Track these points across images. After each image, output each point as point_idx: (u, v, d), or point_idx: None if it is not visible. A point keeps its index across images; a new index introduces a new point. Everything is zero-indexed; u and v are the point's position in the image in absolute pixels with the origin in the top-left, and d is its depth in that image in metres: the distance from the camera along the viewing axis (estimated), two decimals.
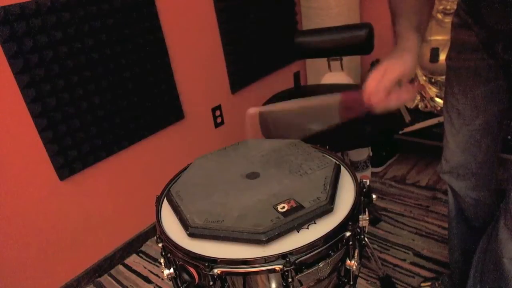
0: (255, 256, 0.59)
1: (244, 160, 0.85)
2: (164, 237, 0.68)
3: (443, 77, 1.01)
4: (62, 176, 1.44)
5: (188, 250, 0.63)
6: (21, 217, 1.37)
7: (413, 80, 1.91)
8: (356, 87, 1.69)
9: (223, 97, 2.05)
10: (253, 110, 0.92)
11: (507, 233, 0.76)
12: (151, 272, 1.64)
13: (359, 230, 0.70)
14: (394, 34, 0.80)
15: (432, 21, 1.84)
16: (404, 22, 0.78)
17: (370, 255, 1.41)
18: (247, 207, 0.68)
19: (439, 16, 1.81)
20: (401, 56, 0.73)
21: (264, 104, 1.49)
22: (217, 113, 2.03)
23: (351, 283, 0.70)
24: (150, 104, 1.67)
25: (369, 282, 1.41)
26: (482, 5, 0.76)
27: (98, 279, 1.64)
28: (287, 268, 0.58)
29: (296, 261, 0.59)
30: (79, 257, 1.57)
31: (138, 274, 1.64)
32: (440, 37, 1.81)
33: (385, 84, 0.71)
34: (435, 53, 1.82)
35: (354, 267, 0.67)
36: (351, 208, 0.68)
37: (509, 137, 1.64)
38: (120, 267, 1.70)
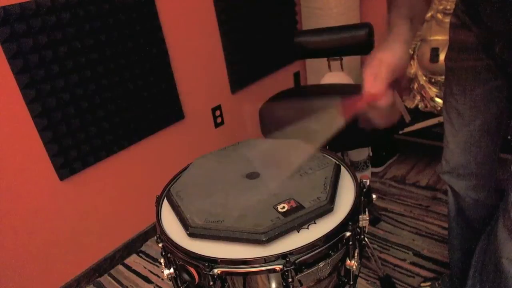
0: (255, 256, 0.59)
1: (244, 160, 0.85)
2: (164, 237, 0.68)
3: (443, 77, 1.01)
4: (62, 176, 1.45)
5: (188, 250, 0.63)
6: (21, 217, 1.37)
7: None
8: (356, 87, 1.69)
9: (223, 97, 2.05)
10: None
11: (506, 233, 0.76)
12: (151, 272, 1.64)
13: (359, 230, 0.70)
14: (387, 24, 0.78)
15: (432, 21, 1.84)
16: (397, 10, 0.77)
17: (370, 255, 1.41)
18: (247, 207, 0.68)
19: (439, 16, 1.81)
20: (391, 47, 0.71)
21: (264, 103, 1.49)
22: (217, 113, 2.03)
23: (351, 283, 0.70)
24: (150, 104, 1.67)
25: (369, 282, 1.41)
26: (481, 5, 0.76)
27: (98, 279, 1.64)
28: (287, 268, 0.58)
29: (296, 261, 0.59)
30: (79, 257, 1.57)
31: (138, 274, 1.64)
32: (440, 37, 1.81)
33: (382, 77, 0.69)
34: (435, 53, 1.82)
35: (354, 267, 0.67)
36: (351, 208, 0.68)
37: (509, 137, 1.64)
38: (120, 267, 1.70)
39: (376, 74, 0.70)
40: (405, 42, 0.71)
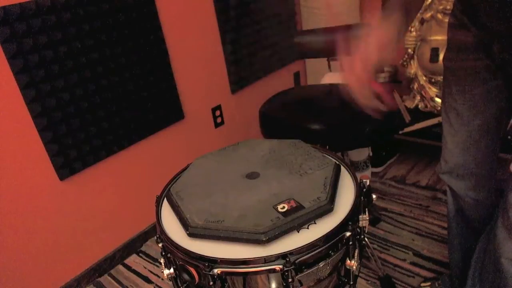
0: (255, 256, 0.59)
1: (244, 160, 0.85)
2: (164, 237, 0.68)
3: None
4: (62, 176, 1.45)
5: (188, 250, 0.63)
6: (21, 217, 1.38)
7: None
8: None
9: (223, 97, 2.05)
10: None
11: (505, 233, 0.76)
12: (151, 272, 1.64)
13: (359, 230, 0.70)
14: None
15: (432, 21, 1.84)
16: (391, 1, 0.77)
17: (370, 255, 1.41)
18: (247, 207, 0.68)
19: (439, 16, 1.81)
20: (379, 25, 0.72)
21: (264, 103, 1.49)
22: (217, 113, 2.03)
23: (351, 283, 0.70)
24: (150, 104, 1.67)
25: (369, 282, 1.41)
26: (480, 5, 0.76)
27: (98, 279, 1.64)
28: (287, 268, 0.58)
29: (296, 261, 0.59)
30: (79, 257, 1.58)
31: (138, 274, 1.64)
32: (440, 37, 1.81)
33: (368, 53, 0.69)
34: (435, 53, 1.82)
35: (354, 267, 0.67)
36: (351, 208, 0.68)
37: (509, 137, 1.64)
38: (120, 267, 1.70)
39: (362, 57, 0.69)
40: (395, 23, 0.72)
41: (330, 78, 1.70)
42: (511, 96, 0.90)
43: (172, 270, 0.71)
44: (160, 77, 1.68)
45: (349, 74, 0.71)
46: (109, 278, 1.65)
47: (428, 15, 1.85)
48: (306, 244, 0.60)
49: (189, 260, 0.63)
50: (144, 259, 1.72)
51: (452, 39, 0.93)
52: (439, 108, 1.88)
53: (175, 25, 1.71)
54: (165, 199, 0.78)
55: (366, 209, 0.72)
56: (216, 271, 0.60)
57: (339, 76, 0.72)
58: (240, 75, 2.07)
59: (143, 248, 1.79)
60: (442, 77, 1.90)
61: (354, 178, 0.78)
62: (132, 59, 1.56)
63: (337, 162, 0.81)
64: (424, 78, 1.93)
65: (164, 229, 0.71)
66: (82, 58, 1.40)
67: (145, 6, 1.56)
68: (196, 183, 0.79)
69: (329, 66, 1.69)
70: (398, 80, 2.28)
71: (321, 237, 0.61)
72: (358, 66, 0.71)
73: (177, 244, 0.65)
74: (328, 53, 1.63)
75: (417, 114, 1.94)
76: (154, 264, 1.68)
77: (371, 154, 1.78)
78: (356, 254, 0.67)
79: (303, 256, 0.60)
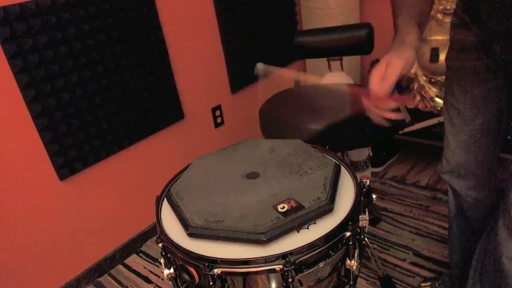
0: (255, 256, 0.59)
1: (244, 160, 0.85)
2: (164, 237, 0.68)
3: (443, 77, 1.01)
4: (62, 176, 1.45)
5: (188, 250, 0.63)
6: (21, 217, 1.37)
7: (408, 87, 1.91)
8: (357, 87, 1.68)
9: (223, 97, 2.05)
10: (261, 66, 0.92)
11: (506, 233, 0.76)
12: (151, 272, 1.64)
13: (359, 230, 0.70)
14: (394, 27, 0.80)
15: (432, 21, 1.84)
16: (404, 15, 0.78)
17: (370, 255, 1.41)
18: (247, 207, 0.68)
19: (439, 16, 1.81)
20: (400, 51, 0.73)
21: (264, 103, 1.49)
22: (217, 113, 2.03)
23: (351, 283, 0.70)
24: (150, 104, 1.67)
25: (369, 282, 1.41)
26: (481, 5, 0.76)
27: (98, 279, 1.64)
28: (287, 268, 0.58)
29: (296, 261, 0.59)
30: (79, 257, 1.57)
31: (138, 274, 1.64)
32: (440, 37, 1.81)
33: (388, 79, 0.70)
34: (435, 53, 1.82)
35: (354, 267, 0.67)
36: (351, 208, 0.68)
37: (509, 137, 1.64)
38: (120, 267, 1.70)
39: (382, 75, 0.70)
40: (413, 48, 0.73)
41: (330, 78, 1.70)
42: (511, 96, 0.90)
43: (172, 270, 0.71)
44: (160, 77, 1.68)
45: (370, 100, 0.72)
46: (109, 278, 1.65)
47: None
48: (306, 244, 0.60)
49: (189, 260, 0.63)
50: (144, 259, 1.72)
51: (454, 38, 0.93)
52: (439, 108, 1.87)
53: (175, 25, 1.71)
54: (165, 199, 0.78)
55: (366, 209, 0.72)
56: (216, 271, 0.60)
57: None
58: (240, 75, 2.07)
59: (143, 248, 1.79)
60: (442, 77, 1.91)
61: (354, 178, 0.78)
62: (132, 59, 1.56)
63: (337, 162, 0.81)
64: (424, 78, 1.92)
65: (164, 229, 0.71)
66: (82, 58, 1.40)
67: (145, 6, 1.56)
68: (196, 183, 0.79)
69: (329, 66, 1.68)
70: (399, 84, 2.28)
71: (321, 237, 0.61)
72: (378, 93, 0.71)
73: (177, 244, 0.65)
74: (328, 53, 1.63)
75: (417, 114, 1.94)
76: (154, 264, 1.68)
77: (371, 154, 1.78)
78: (356, 254, 0.67)
79: (303, 256, 0.59)
